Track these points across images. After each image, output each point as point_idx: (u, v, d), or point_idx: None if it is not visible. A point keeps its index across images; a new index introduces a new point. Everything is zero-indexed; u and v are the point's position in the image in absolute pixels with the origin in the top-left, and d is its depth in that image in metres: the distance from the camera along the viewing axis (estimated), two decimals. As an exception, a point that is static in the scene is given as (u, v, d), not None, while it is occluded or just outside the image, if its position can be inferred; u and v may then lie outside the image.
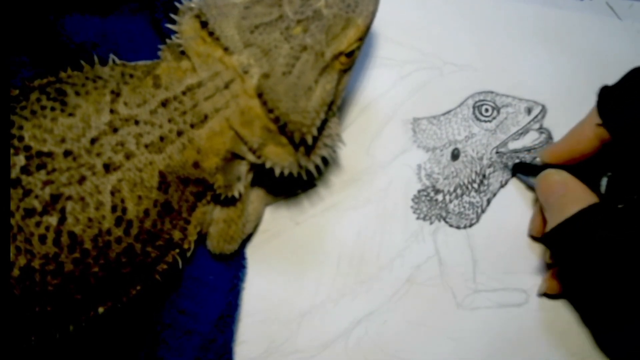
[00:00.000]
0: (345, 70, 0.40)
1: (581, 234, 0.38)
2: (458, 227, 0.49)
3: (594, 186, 0.41)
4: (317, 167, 0.41)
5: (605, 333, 0.45)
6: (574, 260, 0.39)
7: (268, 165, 0.40)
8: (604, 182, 0.40)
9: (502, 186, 0.49)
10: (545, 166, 0.45)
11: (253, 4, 0.38)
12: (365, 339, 0.45)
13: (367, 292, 0.46)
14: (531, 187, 0.48)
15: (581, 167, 0.43)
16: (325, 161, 0.42)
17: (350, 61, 0.40)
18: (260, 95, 0.38)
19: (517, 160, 0.49)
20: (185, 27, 0.39)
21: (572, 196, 0.40)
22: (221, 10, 0.38)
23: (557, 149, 0.44)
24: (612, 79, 0.41)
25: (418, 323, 0.46)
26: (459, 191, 0.49)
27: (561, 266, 0.45)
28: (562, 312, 0.47)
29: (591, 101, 0.41)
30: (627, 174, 0.38)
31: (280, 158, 0.40)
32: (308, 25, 0.38)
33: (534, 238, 0.47)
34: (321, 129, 0.40)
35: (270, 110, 0.38)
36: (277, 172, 0.40)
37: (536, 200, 0.47)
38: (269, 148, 0.40)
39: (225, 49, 0.38)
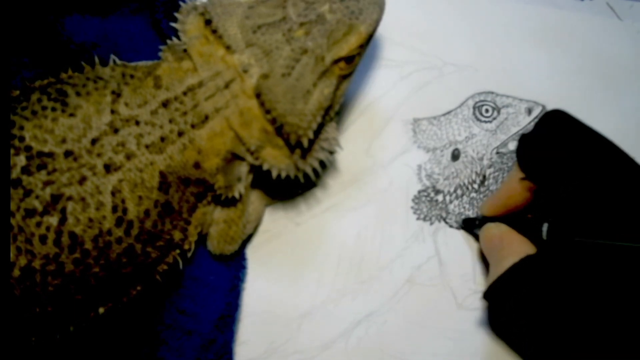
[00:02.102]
0: (344, 77, 0.40)
1: (512, 289, 0.38)
2: (458, 228, 0.49)
3: (537, 233, 0.41)
4: (314, 171, 0.41)
5: None
6: (509, 316, 0.39)
7: (265, 167, 0.40)
8: (544, 228, 0.40)
9: (502, 187, 0.49)
10: (488, 219, 0.45)
11: (257, 4, 0.38)
12: (366, 339, 0.45)
13: (368, 293, 0.46)
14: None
15: (524, 214, 0.43)
16: (323, 164, 0.42)
17: (350, 67, 0.40)
18: (258, 95, 0.38)
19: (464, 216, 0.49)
20: (189, 26, 0.39)
21: (508, 250, 0.40)
22: (226, 9, 0.38)
23: (493, 203, 0.44)
24: (612, 79, 0.41)
25: (418, 323, 0.46)
26: (459, 192, 0.49)
27: (501, 323, 0.45)
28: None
29: (591, 101, 0.41)
30: (566, 218, 0.38)
31: (277, 160, 0.40)
32: (310, 29, 0.38)
33: None
34: (318, 132, 0.40)
35: (268, 111, 0.38)
36: (274, 174, 0.40)
37: None
38: (266, 150, 0.40)
39: (227, 47, 0.38)
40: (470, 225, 0.48)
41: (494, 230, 0.43)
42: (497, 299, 0.39)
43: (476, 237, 0.48)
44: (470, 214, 0.49)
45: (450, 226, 0.48)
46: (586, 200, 0.37)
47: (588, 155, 0.38)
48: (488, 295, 0.40)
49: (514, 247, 0.40)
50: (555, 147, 0.39)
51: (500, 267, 0.39)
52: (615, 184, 0.37)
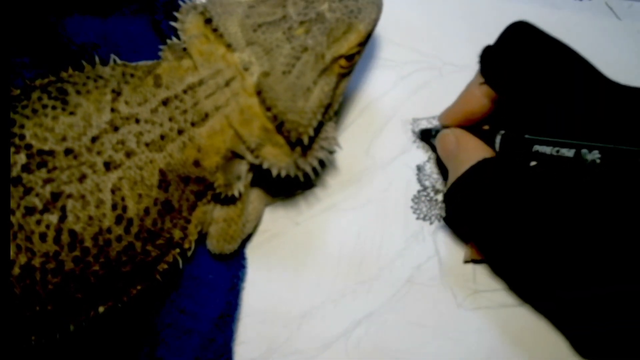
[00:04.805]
0: (344, 75, 0.40)
1: (472, 189, 0.39)
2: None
3: (492, 144, 0.42)
4: (314, 170, 0.41)
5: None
6: (469, 215, 0.40)
7: (265, 165, 0.40)
8: (497, 139, 0.41)
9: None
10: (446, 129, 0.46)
11: (258, 4, 0.39)
12: (366, 339, 0.45)
13: (368, 293, 0.46)
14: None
15: (480, 126, 0.44)
16: (322, 164, 0.42)
17: (349, 65, 0.40)
18: (259, 93, 0.38)
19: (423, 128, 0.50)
20: (189, 25, 0.39)
21: (465, 155, 0.41)
22: (226, 9, 0.38)
23: (451, 111, 0.45)
24: (612, 79, 0.41)
25: (418, 323, 0.46)
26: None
27: (460, 226, 0.46)
28: (562, 312, 0.47)
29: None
30: (517, 130, 0.39)
31: (277, 159, 0.40)
32: (310, 27, 0.38)
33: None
34: (318, 131, 0.40)
35: (269, 109, 0.38)
36: (274, 173, 0.40)
37: None
38: (266, 148, 0.40)
39: (228, 46, 0.38)
40: (427, 136, 0.49)
41: (450, 136, 0.43)
42: (456, 201, 0.41)
43: (433, 147, 0.48)
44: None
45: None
46: (539, 107, 0.38)
47: (547, 63, 0.38)
48: (446, 198, 0.41)
49: (470, 153, 0.41)
50: (515, 54, 0.39)
51: (457, 171, 0.40)
52: (570, 89, 0.37)
